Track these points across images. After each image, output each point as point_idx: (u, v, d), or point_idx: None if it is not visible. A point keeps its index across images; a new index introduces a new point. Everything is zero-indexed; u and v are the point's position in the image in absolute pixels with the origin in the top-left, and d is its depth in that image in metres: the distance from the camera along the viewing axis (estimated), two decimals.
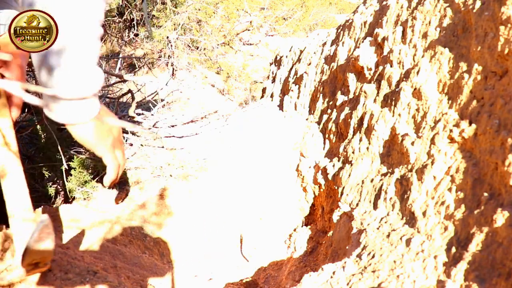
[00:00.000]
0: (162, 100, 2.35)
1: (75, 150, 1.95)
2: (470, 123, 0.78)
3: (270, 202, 1.48)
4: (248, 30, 5.19)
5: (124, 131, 1.82)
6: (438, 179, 0.80)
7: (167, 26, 4.05)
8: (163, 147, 1.75)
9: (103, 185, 1.46)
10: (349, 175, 1.13)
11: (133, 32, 4.24)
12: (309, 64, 1.81)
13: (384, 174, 1.00)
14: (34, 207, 0.82)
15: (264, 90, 2.69)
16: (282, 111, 1.89)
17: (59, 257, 0.82)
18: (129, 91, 2.16)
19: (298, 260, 1.22)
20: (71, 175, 2.07)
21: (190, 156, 1.60)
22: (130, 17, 4.23)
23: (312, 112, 1.65)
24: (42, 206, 1.02)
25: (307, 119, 1.66)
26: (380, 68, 1.17)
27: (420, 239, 0.75)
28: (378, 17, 1.31)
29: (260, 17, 5.25)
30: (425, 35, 1.01)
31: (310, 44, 1.95)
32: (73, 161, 2.08)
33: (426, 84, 0.94)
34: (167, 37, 4.08)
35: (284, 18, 5.53)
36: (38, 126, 2.02)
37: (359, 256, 0.83)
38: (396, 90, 1.04)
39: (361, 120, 1.18)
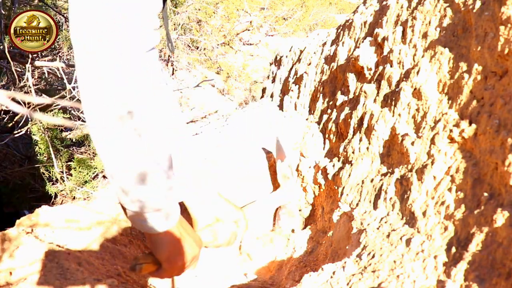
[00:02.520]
0: None
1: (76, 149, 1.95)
2: (470, 123, 0.78)
3: (270, 201, 1.47)
4: (248, 30, 5.19)
5: None
6: (438, 179, 0.80)
7: None
8: None
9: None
10: (349, 175, 1.13)
11: None
12: (309, 64, 1.82)
13: (384, 174, 1.00)
14: (34, 207, 0.82)
15: (264, 90, 2.69)
16: (282, 111, 1.89)
17: (59, 257, 0.82)
18: None
19: (298, 260, 1.22)
20: (71, 175, 2.07)
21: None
22: None
23: (312, 112, 1.65)
24: (42, 206, 1.02)
25: (307, 119, 1.66)
26: (380, 68, 1.17)
27: (420, 239, 0.75)
28: (378, 17, 1.31)
29: (260, 17, 5.25)
30: (425, 35, 1.01)
31: (310, 44, 1.95)
32: (73, 161, 2.08)
33: (426, 84, 0.94)
34: None
35: (284, 18, 5.53)
36: (34, 127, 2.02)
37: (359, 256, 0.83)
38: (396, 90, 1.04)
39: (361, 120, 1.18)
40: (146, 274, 0.68)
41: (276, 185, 1.42)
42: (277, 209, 1.33)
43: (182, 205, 0.80)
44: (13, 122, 2.16)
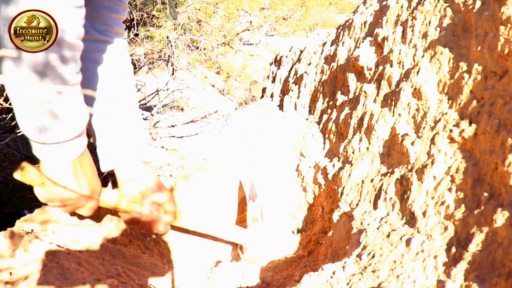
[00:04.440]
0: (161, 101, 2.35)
1: None
2: (470, 123, 0.78)
3: (270, 201, 1.48)
4: (248, 30, 5.19)
5: None
6: (438, 179, 0.80)
7: (167, 26, 4.05)
8: (162, 147, 1.75)
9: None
10: (349, 175, 1.13)
11: (133, 32, 4.23)
12: (309, 64, 1.82)
13: (384, 174, 1.00)
14: (34, 207, 0.82)
15: (264, 90, 2.69)
16: (282, 111, 1.89)
17: (59, 257, 0.82)
18: None
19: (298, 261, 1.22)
20: None
21: (190, 156, 1.60)
22: (130, 17, 4.23)
23: (312, 112, 1.65)
24: (42, 206, 1.02)
25: (307, 119, 1.66)
26: (380, 68, 1.17)
27: (420, 239, 0.75)
28: (378, 17, 1.31)
29: (260, 17, 5.25)
30: (425, 35, 1.01)
31: (310, 44, 1.95)
32: None
33: (426, 84, 0.94)
34: (167, 37, 4.08)
35: (284, 18, 5.53)
36: None
37: (359, 256, 0.83)
38: (396, 90, 1.04)
39: (361, 120, 1.18)
40: (24, 181, 0.72)
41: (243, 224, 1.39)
42: (240, 249, 1.31)
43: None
44: (14, 122, 2.16)
